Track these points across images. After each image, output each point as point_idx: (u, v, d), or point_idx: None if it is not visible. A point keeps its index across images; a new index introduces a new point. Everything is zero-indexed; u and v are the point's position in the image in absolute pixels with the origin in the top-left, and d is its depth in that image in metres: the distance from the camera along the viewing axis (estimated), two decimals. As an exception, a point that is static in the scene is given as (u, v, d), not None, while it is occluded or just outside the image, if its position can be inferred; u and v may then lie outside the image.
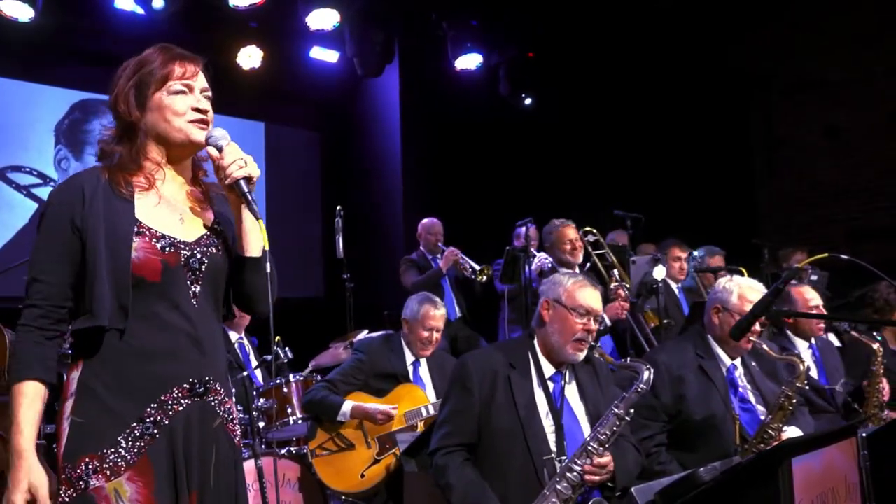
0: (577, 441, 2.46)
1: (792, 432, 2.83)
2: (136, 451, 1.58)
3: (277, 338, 4.12)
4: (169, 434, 1.61)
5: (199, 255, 1.68)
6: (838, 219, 7.26)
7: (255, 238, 1.74)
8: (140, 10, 5.67)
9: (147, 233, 1.64)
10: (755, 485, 1.91)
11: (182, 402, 1.63)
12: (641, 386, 2.41)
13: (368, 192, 7.66)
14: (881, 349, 3.45)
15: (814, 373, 3.74)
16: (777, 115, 7.73)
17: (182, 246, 1.66)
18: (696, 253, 5.31)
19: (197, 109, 1.70)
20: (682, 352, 2.99)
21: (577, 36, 7.24)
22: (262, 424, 3.70)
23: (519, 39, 7.40)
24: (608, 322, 4.68)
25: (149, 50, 1.74)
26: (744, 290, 2.97)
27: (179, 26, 5.64)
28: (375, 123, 7.76)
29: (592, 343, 2.61)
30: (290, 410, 3.86)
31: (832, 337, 4.39)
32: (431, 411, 3.63)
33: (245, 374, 3.76)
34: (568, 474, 2.34)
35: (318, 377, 4.00)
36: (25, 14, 5.25)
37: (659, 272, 4.30)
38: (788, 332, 3.75)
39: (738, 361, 3.00)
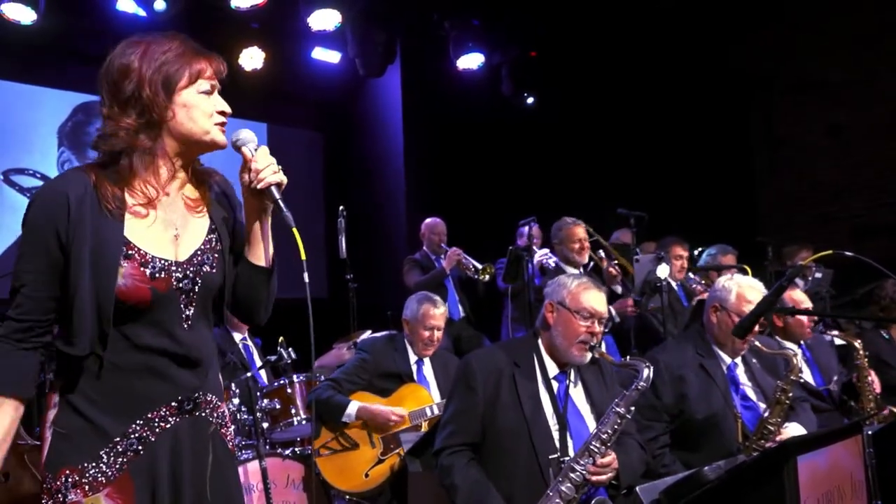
0: (583, 440, 2.46)
1: (794, 429, 2.84)
2: (117, 466, 1.52)
3: (281, 338, 4.12)
4: (154, 451, 1.55)
5: (191, 275, 1.59)
6: (840, 217, 7.25)
7: (268, 248, 1.69)
8: (142, 12, 5.67)
9: (136, 255, 1.53)
10: (760, 483, 1.91)
11: (169, 419, 1.57)
12: (641, 384, 2.41)
13: (371, 192, 7.66)
14: (861, 343, 3.46)
15: (807, 374, 3.72)
16: (778, 115, 7.72)
17: (174, 269, 1.57)
18: (709, 250, 5.30)
19: (222, 112, 1.63)
20: (683, 351, 2.99)
21: (579, 36, 7.23)
22: (266, 425, 3.70)
23: (521, 39, 7.39)
24: (616, 317, 4.69)
25: (160, 35, 1.62)
26: (742, 289, 2.96)
27: (181, 28, 5.61)
28: (377, 123, 7.76)
29: (593, 343, 2.60)
30: (293, 411, 3.85)
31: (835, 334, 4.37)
32: (436, 411, 3.63)
33: (249, 374, 3.76)
34: (571, 474, 2.34)
35: (322, 377, 4.00)
36: (27, 17, 5.26)
37: (663, 270, 4.29)
38: (777, 338, 3.71)
39: (738, 359, 3.00)
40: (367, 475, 3.59)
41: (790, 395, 2.74)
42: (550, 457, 2.43)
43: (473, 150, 7.34)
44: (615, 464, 2.40)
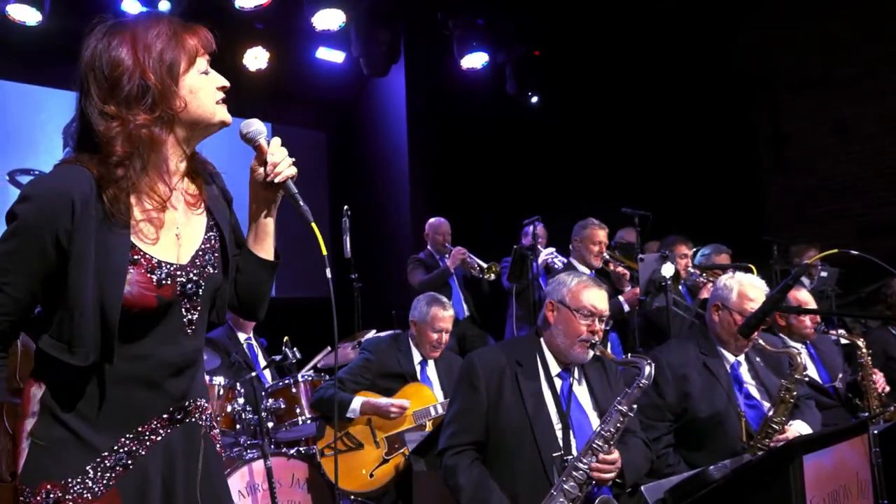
0: (586, 439, 2.45)
1: (799, 427, 2.83)
2: (104, 482, 1.43)
3: (286, 338, 4.13)
4: (144, 466, 1.46)
5: (195, 278, 1.50)
6: (846, 215, 7.22)
7: (272, 242, 1.64)
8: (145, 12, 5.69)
9: (143, 260, 1.44)
10: (766, 482, 1.90)
11: (160, 431, 1.49)
12: (643, 381, 2.40)
13: (375, 191, 7.67)
14: (864, 342, 3.46)
15: (813, 372, 3.72)
16: (783, 112, 7.70)
17: (178, 273, 1.48)
18: (703, 250, 5.29)
19: (222, 88, 1.53)
20: (686, 350, 2.98)
21: (582, 35, 7.22)
22: (271, 424, 3.70)
23: (525, 38, 7.39)
24: (627, 308, 4.68)
25: (138, 17, 1.52)
26: (744, 287, 2.95)
27: (185, 28, 5.65)
28: (382, 123, 7.77)
29: (594, 341, 2.59)
30: (298, 410, 3.86)
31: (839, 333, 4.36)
32: (440, 410, 3.63)
33: (254, 374, 3.77)
34: (574, 473, 2.33)
35: (326, 377, 4.01)
36: (33, 18, 5.28)
37: (668, 269, 4.28)
38: (782, 335, 3.70)
39: (741, 358, 2.99)
40: (371, 475, 3.59)
41: (794, 393, 2.73)
42: (554, 455, 2.42)
43: (478, 149, 7.34)
44: (619, 462, 2.40)
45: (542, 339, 2.66)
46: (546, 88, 7.73)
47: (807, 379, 3.03)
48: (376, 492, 3.60)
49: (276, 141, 1.58)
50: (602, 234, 4.90)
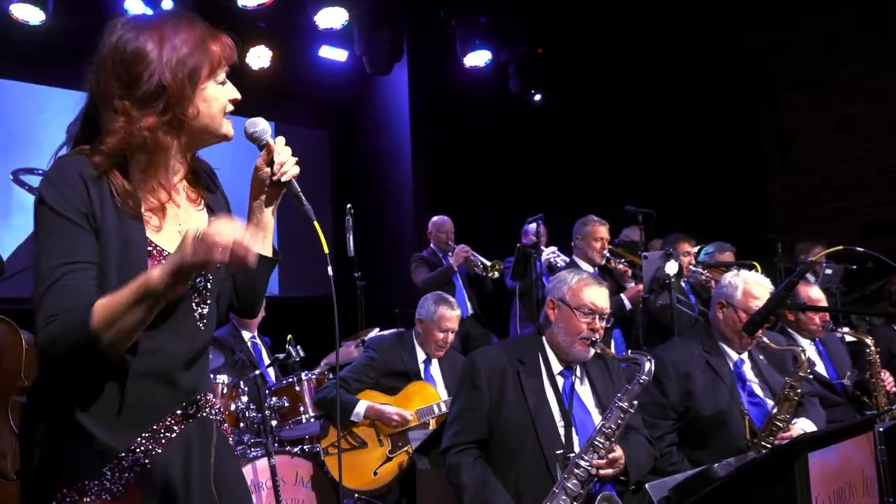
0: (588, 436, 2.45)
1: (804, 424, 2.82)
2: (122, 482, 1.43)
3: (289, 336, 4.13)
4: (163, 464, 1.47)
5: (203, 273, 1.50)
6: (849, 213, 7.21)
7: (271, 239, 1.65)
8: (149, 12, 5.70)
9: (156, 254, 1.45)
10: (771, 480, 1.90)
11: (175, 428, 1.50)
12: (643, 377, 2.40)
13: (378, 190, 7.67)
14: (872, 340, 3.47)
15: (821, 369, 3.72)
16: (787, 111, 7.68)
17: None
18: (707, 248, 5.29)
19: (234, 101, 1.53)
20: (689, 348, 2.98)
21: (585, 33, 7.21)
22: (274, 423, 3.71)
23: (528, 36, 7.38)
24: (629, 306, 4.68)
25: (168, 16, 1.51)
26: (749, 285, 2.95)
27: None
28: (385, 122, 7.77)
29: (595, 339, 2.59)
30: (302, 409, 3.86)
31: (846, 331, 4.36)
32: (443, 409, 3.63)
33: (258, 372, 3.77)
34: (576, 470, 2.34)
35: (331, 375, 4.01)
36: (36, 17, 5.30)
37: (672, 267, 4.27)
38: (791, 331, 3.70)
39: (745, 356, 2.99)
40: (375, 473, 3.60)
41: (798, 391, 2.73)
42: (556, 452, 2.42)
43: (480, 147, 7.33)
44: (622, 459, 2.40)
45: (543, 338, 2.66)
46: (549, 87, 7.73)
47: (812, 376, 3.03)
48: (380, 490, 3.60)
49: (281, 140, 1.58)
50: (603, 230, 4.90)
